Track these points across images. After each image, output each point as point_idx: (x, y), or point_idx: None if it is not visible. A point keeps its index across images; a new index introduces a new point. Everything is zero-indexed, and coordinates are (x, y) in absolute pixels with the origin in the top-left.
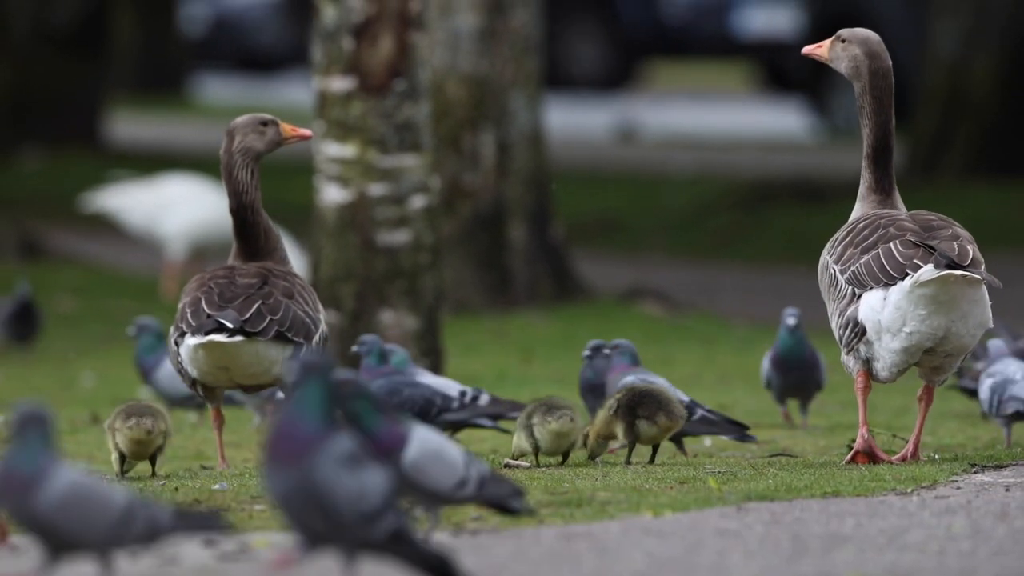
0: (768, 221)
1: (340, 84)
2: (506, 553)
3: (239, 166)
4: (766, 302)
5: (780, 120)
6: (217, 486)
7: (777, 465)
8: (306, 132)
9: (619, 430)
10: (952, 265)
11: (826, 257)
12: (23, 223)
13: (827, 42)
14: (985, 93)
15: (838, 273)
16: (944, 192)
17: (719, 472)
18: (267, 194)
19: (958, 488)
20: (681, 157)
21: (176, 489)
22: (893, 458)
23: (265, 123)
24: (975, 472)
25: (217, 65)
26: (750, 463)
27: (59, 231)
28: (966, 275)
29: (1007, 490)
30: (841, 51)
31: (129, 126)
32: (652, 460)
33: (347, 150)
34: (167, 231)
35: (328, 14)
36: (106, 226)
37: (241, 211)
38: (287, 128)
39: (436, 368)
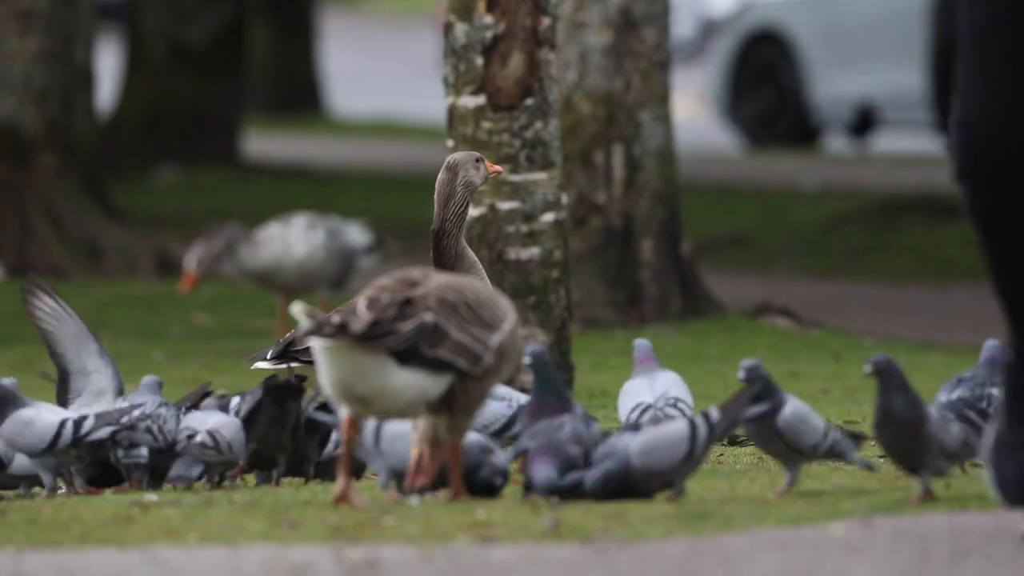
0: (897, 237)
1: (470, 101)
2: (631, 566)
3: (459, 200)
4: (895, 318)
5: (910, 136)
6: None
7: (904, 479)
8: (498, 168)
9: None
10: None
11: None
12: (159, 239)
13: None
14: None
15: None
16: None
17: (845, 486)
18: (401, 209)
19: None
20: (810, 172)
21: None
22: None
23: (478, 160)
24: None
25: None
26: (877, 477)
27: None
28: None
29: None
30: None
31: (265, 143)
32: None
33: None
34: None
35: (459, 31)
36: None
37: (440, 235)
38: (490, 165)
39: (569, 383)
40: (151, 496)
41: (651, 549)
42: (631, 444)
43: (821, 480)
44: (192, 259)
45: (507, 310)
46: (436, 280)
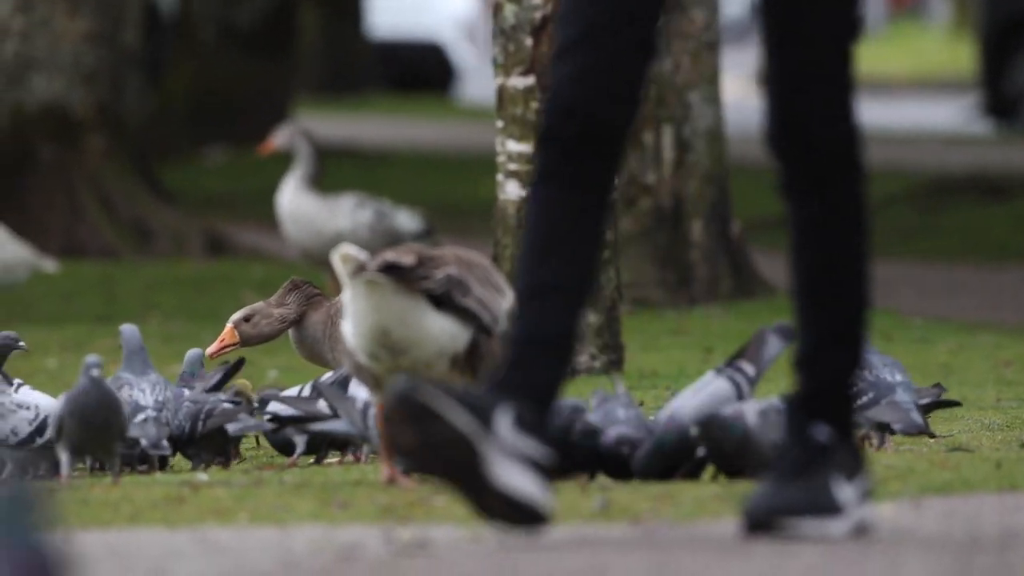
0: (946, 217)
1: (520, 82)
2: (681, 546)
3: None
4: (943, 299)
5: (959, 114)
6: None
7: (954, 459)
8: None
9: None
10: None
11: None
12: (208, 220)
13: None
14: None
15: None
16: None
17: (895, 466)
18: (451, 190)
19: None
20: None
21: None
22: None
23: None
24: None
25: None
26: (927, 458)
27: (244, 227)
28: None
29: None
30: None
31: (314, 124)
32: None
33: (526, 147)
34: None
35: (508, 12)
36: None
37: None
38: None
39: (618, 364)
40: (201, 476)
41: (701, 530)
42: (747, 414)
43: (871, 461)
44: (282, 133)
45: (508, 286)
46: (445, 249)
